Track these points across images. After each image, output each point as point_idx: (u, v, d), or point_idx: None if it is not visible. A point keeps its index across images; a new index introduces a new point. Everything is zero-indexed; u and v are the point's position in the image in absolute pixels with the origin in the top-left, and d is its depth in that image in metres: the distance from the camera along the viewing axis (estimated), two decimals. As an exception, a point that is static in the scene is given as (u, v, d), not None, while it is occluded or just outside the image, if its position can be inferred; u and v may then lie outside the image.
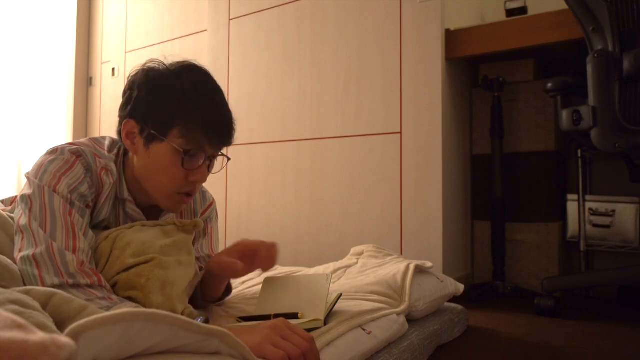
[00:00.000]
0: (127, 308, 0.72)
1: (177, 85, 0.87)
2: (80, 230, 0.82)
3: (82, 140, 0.94)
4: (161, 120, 0.87)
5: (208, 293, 1.03)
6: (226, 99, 0.94)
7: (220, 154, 0.95)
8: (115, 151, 0.94)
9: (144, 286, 0.82)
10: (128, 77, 0.92)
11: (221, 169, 0.98)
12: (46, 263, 0.77)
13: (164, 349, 0.58)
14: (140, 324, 0.53)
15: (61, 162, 0.85)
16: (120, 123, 0.92)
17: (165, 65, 0.91)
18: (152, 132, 0.87)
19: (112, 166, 0.92)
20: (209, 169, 0.93)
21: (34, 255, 0.78)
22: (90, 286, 0.78)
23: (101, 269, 0.84)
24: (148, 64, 0.91)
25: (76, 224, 0.82)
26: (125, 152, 0.95)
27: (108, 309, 0.73)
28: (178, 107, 0.86)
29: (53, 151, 0.88)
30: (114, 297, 0.78)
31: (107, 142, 0.96)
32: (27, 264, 0.78)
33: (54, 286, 0.75)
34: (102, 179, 0.90)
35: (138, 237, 0.86)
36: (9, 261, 0.81)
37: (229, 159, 0.98)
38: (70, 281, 0.77)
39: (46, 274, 0.77)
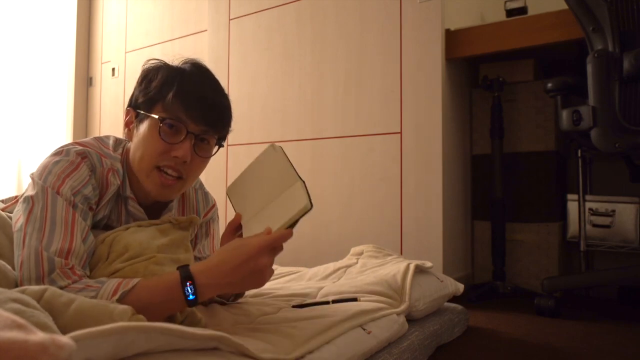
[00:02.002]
0: (113, 284, 0.75)
1: (166, 69, 0.91)
2: (81, 233, 0.82)
3: (87, 139, 0.94)
4: (148, 99, 0.90)
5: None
6: (222, 87, 0.94)
7: (217, 141, 0.94)
8: (120, 150, 0.95)
9: None
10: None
11: (213, 154, 0.95)
12: (30, 268, 0.77)
13: (163, 350, 0.58)
14: (133, 335, 0.53)
15: (66, 164, 0.85)
16: None
17: (163, 61, 0.94)
18: (141, 112, 0.90)
19: (119, 166, 0.92)
20: (196, 150, 0.90)
21: (21, 260, 0.78)
22: (71, 284, 0.77)
23: (96, 272, 0.84)
24: (147, 63, 0.95)
25: (77, 227, 0.81)
26: (128, 149, 0.96)
27: (95, 297, 0.74)
28: (161, 85, 0.89)
29: (58, 152, 0.87)
30: (91, 283, 0.77)
31: (111, 142, 0.96)
32: (16, 268, 0.79)
33: None
34: (109, 180, 0.90)
35: (135, 239, 0.86)
36: (8, 267, 0.81)
37: (221, 146, 0.96)
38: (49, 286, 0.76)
39: (27, 280, 0.76)
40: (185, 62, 0.94)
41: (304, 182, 0.80)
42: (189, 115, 0.87)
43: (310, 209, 0.78)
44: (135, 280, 0.76)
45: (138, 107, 0.91)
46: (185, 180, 0.91)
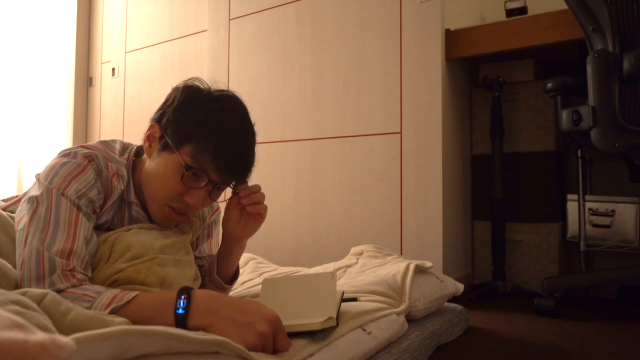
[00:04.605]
0: (109, 296, 0.73)
1: (207, 107, 0.88)
2: (84, 235, 0.82)
3: (94, 143, 0.94)
4: (179, 133, 0.87)
5: (222, 267, 1.03)
6: (253, 136, 0.92)
7: (230, 186, 0.93)
8: (126, 155, 0.94)
9: (143, 281, 0.82)
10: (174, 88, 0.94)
11: (223, 200, 0.96)
12: (30, 268, 0.76)
13: (163, 353, 0.58)
14: (133, 338, 0.53)
15: (73, 166, 0.84)
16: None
17: (208, 86, 0.92)
18: (168, 140, 0.88)
19: (124, 171, 0.92)
20: (211, 196, 0.90)
21: (22, 259, 0.78)
22: (70, 287, 0.77)
23: (98, 272, 0.84)
24: (192, 81, 0.92)
25: (80, 228, 0.81)
26: (136, 156, 0.96)
27: (89, 308, 0.73)
28: (199, 127, 0.86)
29: (66, 154, 0.87)
30: (89, 292, 0.76)
31: (117, 146, 0.96)
32: (17, 267, 0.79)
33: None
34: (113, 185, 0.90)
35: (137, 240, 0.86)
36: (8, 265, 0.81)
37: (236, 193, 0.94)
38: (49, 288, 0.75)
39: (27, 280, 0.76)
40: (224, 98, 0.90)
41: (337, 322, 0.81)
42: (216, 170, 0.87)
43: (322, 330, 0.77)
44: (131, 295, 0.74)
45: (166, 132, 0.89)
46: (189, 217, 0.94)
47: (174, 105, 0.90)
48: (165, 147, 0.88)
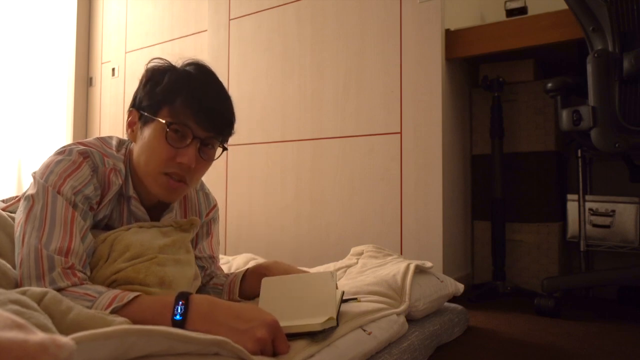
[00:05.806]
0: (110, 296, 0.73)
1: (172, 72, 0.91)
2: (80, 233, 0.82)
3: (90, 139, 0.94)
4: (153, 102, 0.89)
5: (249, 288, 1.03)
6: (226, 91, 0.94)
7: (221, 145, 0.94)
8: (123, 150, 0.95)
9: (143, 281, 0.82)
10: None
11: (217, 158, 0.96)
12: (30, 266, 0.76)
13: (163, 354, 0.58)
14: (134, 338, 0.53)
15: (68, 163, 0.85)
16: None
17: (168, 61, 0.94)
18: (146, 114, 0.89)
19: (121, 166, 0.92)
20: (201, 154, 0.90)
21: (21, 258, 0.78)
22: (70, 286, 0.77)
23: (97, 272, 0.84)
24: (151, 62, 0.94)
25: (76, 226, 0.81)
26: (132, 150, 0.96)
27: (90, 307, 0.73)
28: (168, 89, 0.88)
29: (61, 152, 0.88)
30: (90, 292, 0.76)
31: (114, 142, 0.96)
32: (16, 266, 0.79)
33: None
34: (111, 180, 0.90)
35: (137, 239, 0.86)
36: (8, 265, 0.81)
37: (225, 149, 0.96)
38: (50, 286, 0.75)
39: (26, 278, 0.76)
40: (189, 64, 0.93)
41: (337, 323, 0.81)
42: (196, 121, 0.87)
43: (322, 331, 0.76)
44: (132, 296, 0.74)
45: (142, 109, 0.91)
46: (189, 184, 0.92)
47: (142, 84, 0.92)
48: (145, 122, 0.90)
